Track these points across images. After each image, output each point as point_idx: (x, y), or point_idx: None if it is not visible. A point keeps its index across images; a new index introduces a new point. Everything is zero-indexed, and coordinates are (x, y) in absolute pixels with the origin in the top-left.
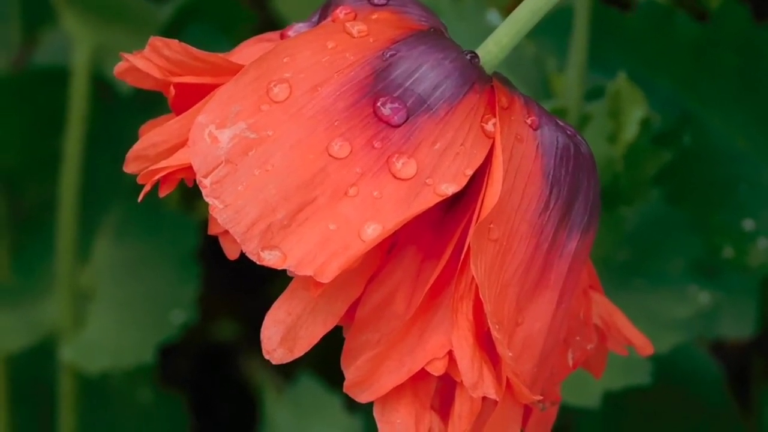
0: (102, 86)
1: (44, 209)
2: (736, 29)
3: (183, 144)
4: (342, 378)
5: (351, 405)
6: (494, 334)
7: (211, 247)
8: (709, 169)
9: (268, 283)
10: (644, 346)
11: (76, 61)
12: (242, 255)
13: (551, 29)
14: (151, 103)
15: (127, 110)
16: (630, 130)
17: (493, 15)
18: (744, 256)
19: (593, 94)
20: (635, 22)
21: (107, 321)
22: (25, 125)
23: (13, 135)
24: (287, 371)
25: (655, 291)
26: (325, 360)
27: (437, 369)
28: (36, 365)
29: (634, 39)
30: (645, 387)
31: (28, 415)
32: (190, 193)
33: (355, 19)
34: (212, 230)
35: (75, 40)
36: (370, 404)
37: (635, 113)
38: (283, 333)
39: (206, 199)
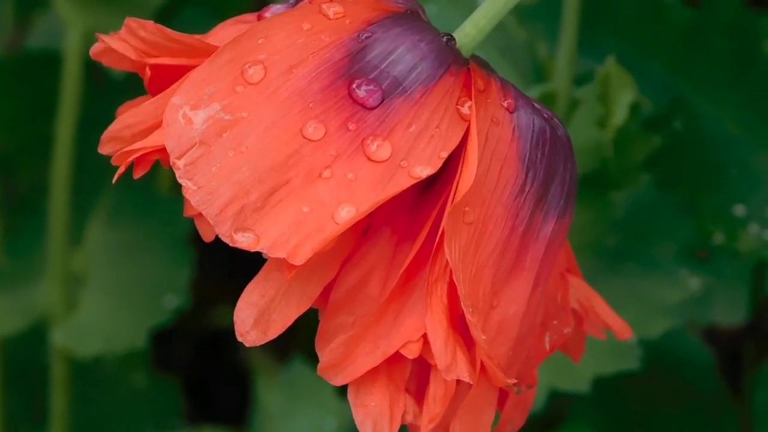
0: (95, 70)
1: (37, 192)
2: (728, 14)
3: (158, 125)
4: None
5: (343, 389)
6: (468, 317)
7: None
8: (700, 153)
9: None
10: (622, 330)
11: (68, 44)
12: None
13: (542, 14)
14: (144, 87)
15: (120, 94)
16: (619, 115)
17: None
18: (735, 242)
19: (584, 78)
20: (627, 6)
21: (99, 305)
22: (18, 109)
23: (6, 118)
24: (284, 356)
25: (646, 276)
26: None
27: (412, 352)
28: (28, 349)
29: (625, 23)
30: (636, 372)
31: (21, 399)
32: None
33: (331, 0)
34: (187, 212)
35: (68, 24)
36: None
37: (624, 97)
38: (257, 315)
39: (179, 180)
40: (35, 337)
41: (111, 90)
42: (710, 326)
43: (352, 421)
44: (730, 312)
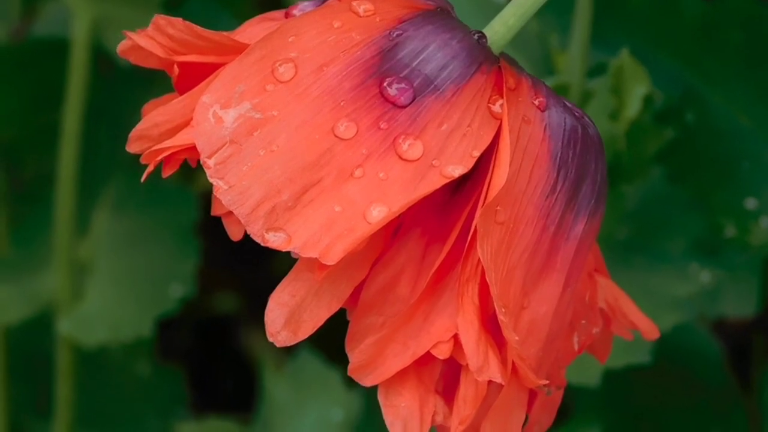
0: (102, 58)
1: (43, 181)
2: (740, 7)
3: (186, 124)
4: (342, 353)
5: (350, 380)
6: (500, 317)
7: (211, 219)
8: (712, 147)
9: (269, 256)
10: (649, 330)
11: (75, 33)
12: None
13: (555, 6)
14: (151, 76)
15: (127, 83)
16: (632, 107)
17: None
18: (746, 235)
19: (596, 71)
20: None
21: (105, 294)
22: (25, 97)
23: (12, 107)
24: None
25: (656, 269)
26: (325, 335)
27: (442, 352)
28: (34, 337)
29: (637, 16)
30: (645, 366)
31: (26, 388)
32: (189, 167)
33: None
34: (216, 211)
35: (75, 12)
36: None
37: (638, 90)
38: (287, 316)
39: (210, 179)
40: (41, 325)
41: (118, 79)
42: (719, 319)
43: (359, 411)
44: (740, 305)
